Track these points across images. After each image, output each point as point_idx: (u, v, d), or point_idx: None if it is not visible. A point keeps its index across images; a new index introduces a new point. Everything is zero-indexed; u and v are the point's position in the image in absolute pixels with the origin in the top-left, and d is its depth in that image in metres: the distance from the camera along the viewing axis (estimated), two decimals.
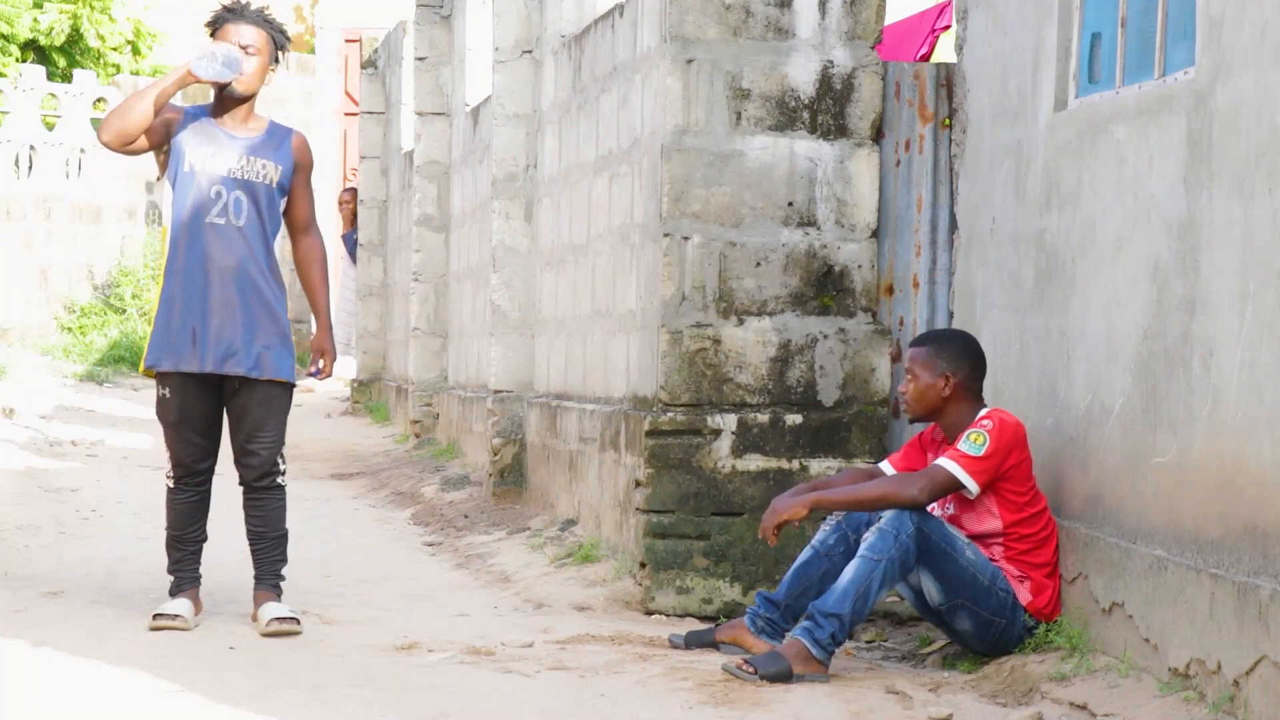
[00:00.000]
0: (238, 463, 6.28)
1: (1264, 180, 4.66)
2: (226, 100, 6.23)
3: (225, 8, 6.33)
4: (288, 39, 6.38)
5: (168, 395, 6.20)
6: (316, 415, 17.19)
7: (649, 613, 6.81)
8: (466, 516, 9.61)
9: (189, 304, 6.12)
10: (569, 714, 5.09)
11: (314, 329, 6.47)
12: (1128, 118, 5.50)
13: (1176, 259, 5.13)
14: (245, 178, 6.19)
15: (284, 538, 6.34)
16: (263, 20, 6.28)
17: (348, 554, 8.44)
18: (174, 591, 6.28)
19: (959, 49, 6.95)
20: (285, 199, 6.30)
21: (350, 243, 18.23)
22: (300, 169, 6.31)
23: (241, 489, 6.32)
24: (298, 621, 6.17)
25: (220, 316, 6.11)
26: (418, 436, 14.10)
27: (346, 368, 18.14)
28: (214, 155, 6.18)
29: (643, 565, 6.88)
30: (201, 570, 6.36)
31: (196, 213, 6.14)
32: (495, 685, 5.42)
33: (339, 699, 5.14)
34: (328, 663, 5.69)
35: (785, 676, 5.51)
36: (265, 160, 6.22)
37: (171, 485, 6.30)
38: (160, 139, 6.19)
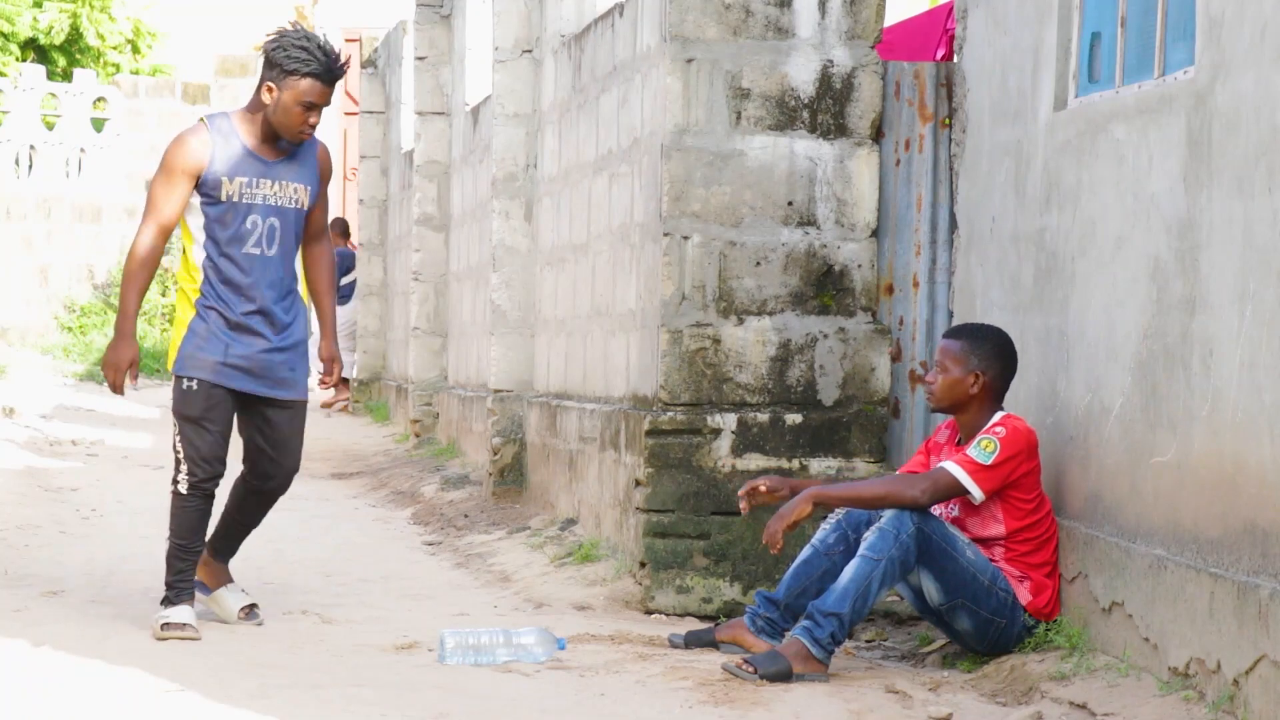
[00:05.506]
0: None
1: (1264, 180, 4.66)
2: (270, 128, 6.06)
3: (314, 57, 5.98)
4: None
5: None
6: (316, 414, 17.20)
7: (649, 612, 6.81)
8: (466, 516, 9.61)
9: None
10: (569, 713, 5.09)
11: (319, 336, 6.45)
12: (1127, 117, 5.50)
13: (1176, 258, 5.13)
14: (279, 204, 6.10)
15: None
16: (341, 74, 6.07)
17: (348, 553, 8.45)
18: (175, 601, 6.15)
19: (959, 48, 6.95)
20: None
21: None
22: (323, 180, 6.24)
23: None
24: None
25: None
26: (418, 436, 14.11)
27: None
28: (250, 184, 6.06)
29: (642, 565, 6.89)
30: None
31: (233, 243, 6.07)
32: (495, 685, 5.42)
33: (339, 699, 5.14)
34: (328, 663, 5.69)
35: (785, 676, 5.51)
36: (296, 183, 6.13)
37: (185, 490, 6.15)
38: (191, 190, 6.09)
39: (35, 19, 26.74)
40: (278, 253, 6.10)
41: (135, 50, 28.03)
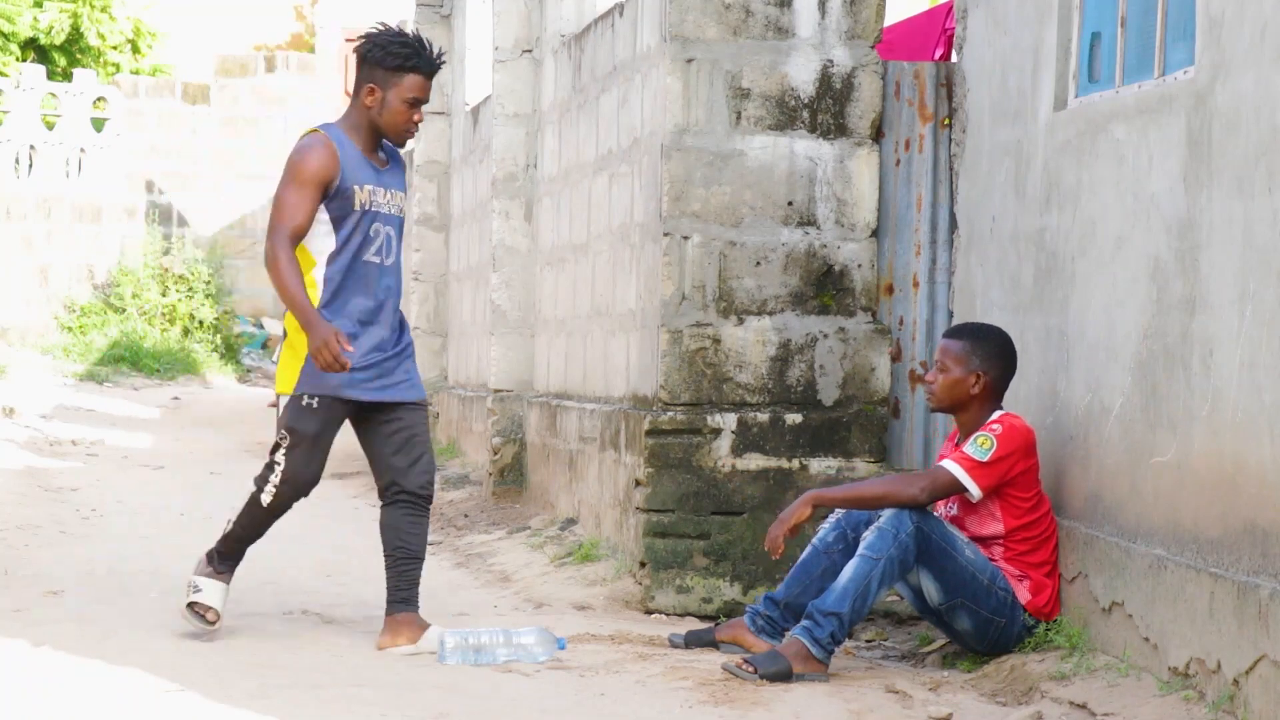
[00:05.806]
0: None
1: (1264, 180, 4.66)
2: (375, 134, 5.94)
3: (414, 51, 5.90)
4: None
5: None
6: None
7: (649, 612, 6.82)
8: (466, 516, 9.61)
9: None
10: (569, 713, 5.09)
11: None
12: (1127, 117, 5.50)
13: (1176, 258, 5.13)
14: (392, 212, 5.97)
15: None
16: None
17: (347, 554, 8.44)
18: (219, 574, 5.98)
19: (959, 48, 6.96)
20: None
21: None
22: None
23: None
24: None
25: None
26: None
27: None
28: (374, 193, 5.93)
29: (643, 564, 6.89)
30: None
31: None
32: (495, 685, 5.42)
33: (339, 699, 5.14)
34: (328, 663, 5.69)
35: (785, 676, 5.51)
36: (400, 191, 6.01)
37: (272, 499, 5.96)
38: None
39: (35, 19, 26.73)
40: (394, 262, 5.98)
41: (135, 50, 28.02)
